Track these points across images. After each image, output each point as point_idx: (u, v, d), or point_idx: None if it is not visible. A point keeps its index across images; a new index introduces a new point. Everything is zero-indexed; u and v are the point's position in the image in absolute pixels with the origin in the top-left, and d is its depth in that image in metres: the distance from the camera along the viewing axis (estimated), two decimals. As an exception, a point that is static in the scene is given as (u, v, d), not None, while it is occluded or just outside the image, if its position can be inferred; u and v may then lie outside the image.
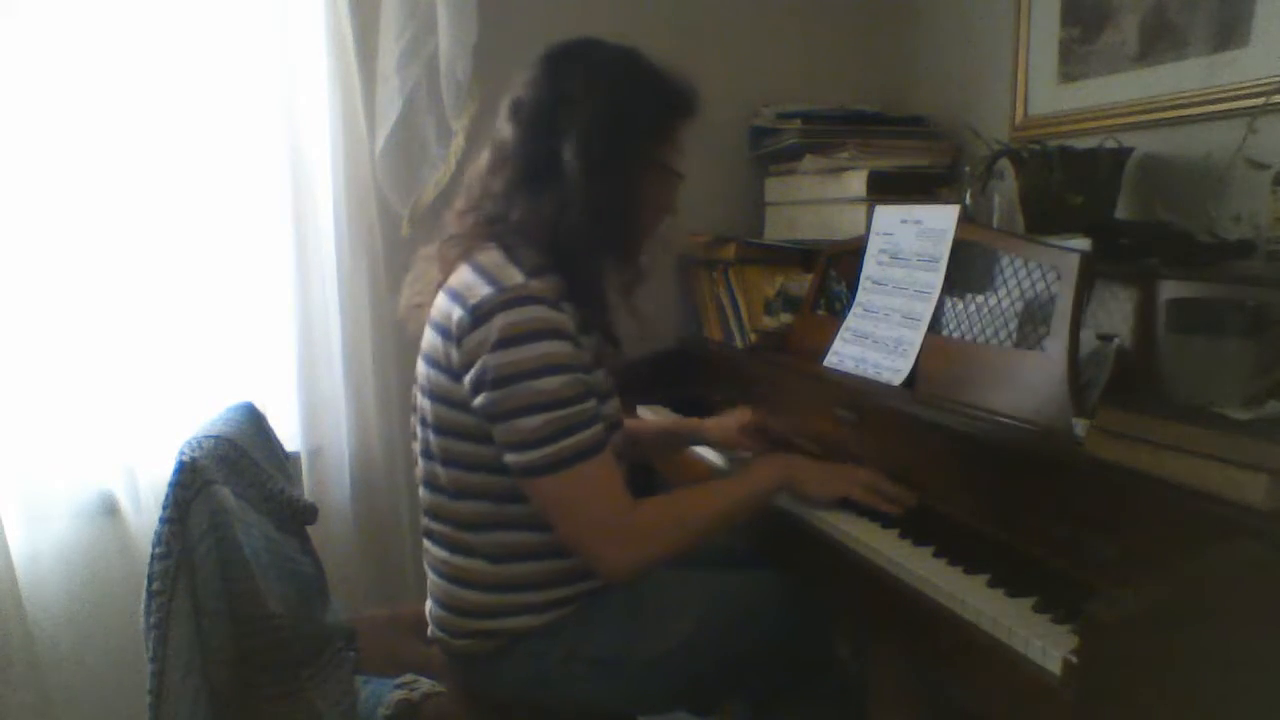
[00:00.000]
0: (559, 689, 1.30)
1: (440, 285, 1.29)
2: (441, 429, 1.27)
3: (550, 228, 1.23)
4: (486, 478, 1.25)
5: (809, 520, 1.37)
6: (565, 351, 1.18)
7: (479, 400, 1.19)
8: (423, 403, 1.30)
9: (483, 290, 1.19)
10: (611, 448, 1.24)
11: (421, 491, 1.36)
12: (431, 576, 1.37)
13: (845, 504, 1.36)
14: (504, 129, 1.29)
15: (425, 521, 1.37)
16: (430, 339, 1.28)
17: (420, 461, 1.34)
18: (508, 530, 1.27)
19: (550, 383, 1.16)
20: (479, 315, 1.17)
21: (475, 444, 1.24)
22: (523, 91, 1.28)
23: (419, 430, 1.33)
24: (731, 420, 1.64)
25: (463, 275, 1.24)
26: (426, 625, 1.58)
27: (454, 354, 1.21)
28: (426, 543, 1.38)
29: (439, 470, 1.29)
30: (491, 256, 1.24)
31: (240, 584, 1.25)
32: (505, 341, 1.16)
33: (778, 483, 1.36)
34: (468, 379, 1.19)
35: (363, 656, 1.49)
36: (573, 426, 1.18)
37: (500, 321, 1.16)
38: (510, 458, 1.20)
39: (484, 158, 1.32)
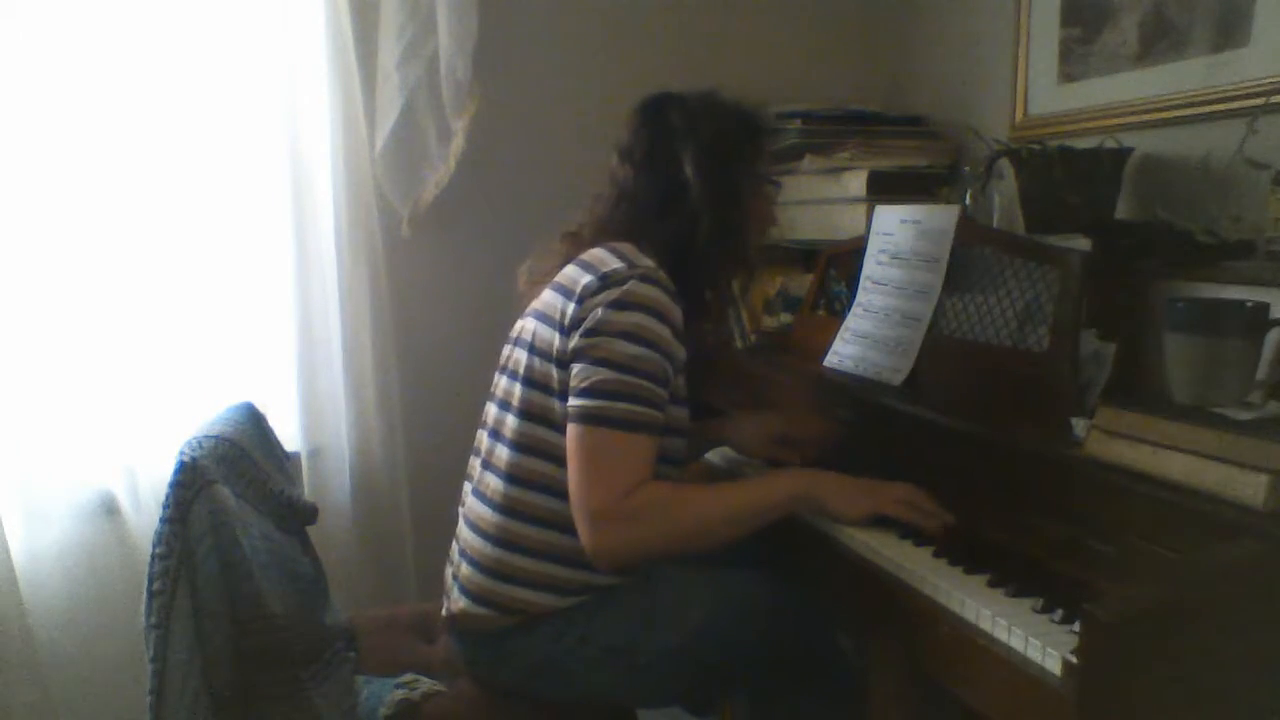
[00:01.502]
0: (567, 674, 1.31)
1: (566, 263, 1.37)
2: (531, 381, 1.32)
3: (679, 249, 1.34)
4: (554, 436, 1.29)
5: (811, 520, 1.36)
6: (663, 334, 1.26)
7: (574, 342, 1.26)
8: (517, 354, 1.36)
9: (616, 264, 1.28)
10: (660, 443, 1.27)
11: (482, 436, 1.41)
12: (466, 534, 1.38)
13: (880, 521, 1.29)
14: (620, 172, 1.41)
15: (475, 470, 1.40)
16: (547, 298, 1.35)
17: (493, 410, 1.40)
18: (553, 496, 1.30)
19: (634, 349, 1.23)
20: (610, 281, 1.26)
21: (557, 400, 1.29)
22: (630, 139, 1.41)
23: (503, 382, 1.39)
24: (756, 425, 1.63)
25: (596, 253, 1.33)
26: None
27: (570, 309, 1.27)
28: (470, 498, 1.40)
29: (511, 420, 1.34)
30: (625, 246, 1.33)
31: (240, 584, 1.25)
32: (620, 303, 1.25)
33: (795, 496, 1.32)
34: (579, 330, 1.26)
35: (363, 656, 1.49)
36: (630, 395, 1.23)
37: (626, 287, 1.25)
38: (570, 401, 1.25)
39: (604, 194, 1.42)
